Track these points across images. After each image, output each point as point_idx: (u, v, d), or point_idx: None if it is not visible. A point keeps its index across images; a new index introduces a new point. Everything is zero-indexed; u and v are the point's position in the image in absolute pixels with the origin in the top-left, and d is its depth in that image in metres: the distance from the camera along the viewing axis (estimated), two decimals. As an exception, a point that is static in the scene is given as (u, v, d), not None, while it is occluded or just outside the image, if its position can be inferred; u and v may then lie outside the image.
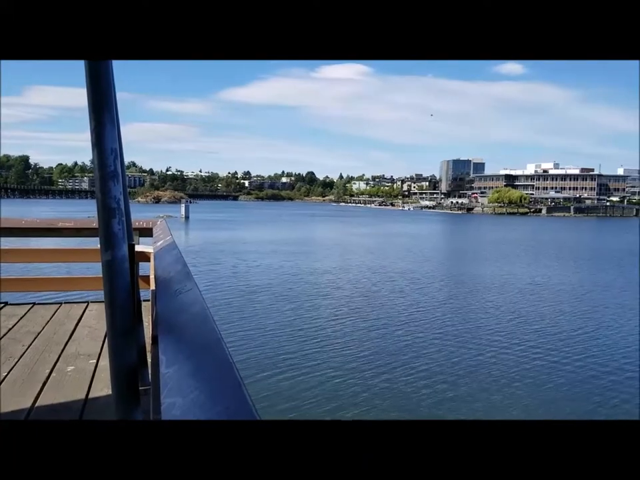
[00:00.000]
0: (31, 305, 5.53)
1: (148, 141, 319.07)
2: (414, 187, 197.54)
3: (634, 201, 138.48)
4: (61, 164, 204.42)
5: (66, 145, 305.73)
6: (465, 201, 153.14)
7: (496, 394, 10.42)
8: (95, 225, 5.07)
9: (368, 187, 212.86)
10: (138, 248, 4.41)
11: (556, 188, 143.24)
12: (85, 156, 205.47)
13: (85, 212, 38.88)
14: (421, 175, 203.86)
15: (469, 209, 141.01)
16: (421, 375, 11.22)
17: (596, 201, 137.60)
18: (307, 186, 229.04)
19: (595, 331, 15.79)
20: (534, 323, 16.46)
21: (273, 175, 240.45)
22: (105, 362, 3.75)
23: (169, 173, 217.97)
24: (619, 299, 20.87)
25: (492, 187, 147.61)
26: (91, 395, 3.24)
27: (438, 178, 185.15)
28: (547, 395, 10.44)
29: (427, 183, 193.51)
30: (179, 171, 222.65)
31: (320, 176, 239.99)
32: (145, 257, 4.59)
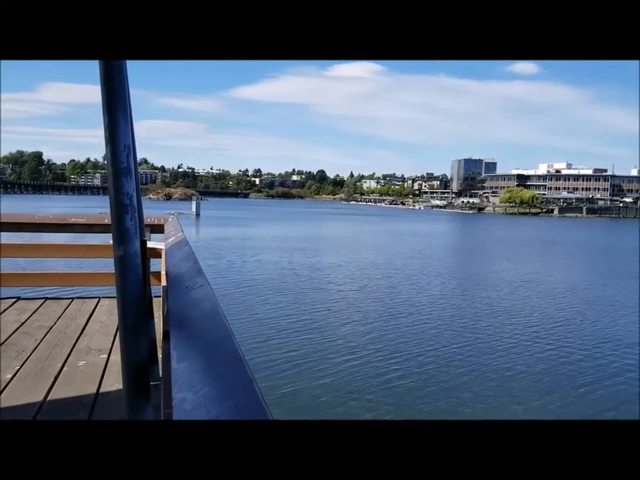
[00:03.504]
0: (43, 300, 5.58)
1: (158, 138, 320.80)
2: (425, 186, 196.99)
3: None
4: (74, 160, 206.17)
5: (79, 141, 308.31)
6: (476, 200, 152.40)
7: (496, 394, 10.37)
8: (106, 220, 5.11)
9: (378, 186, 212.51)
10: (149, 244, 4.44)
11: (568, 188, 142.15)
12: (98, 152, 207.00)
13: (97, 208, 39.15)
14: (432, 174, 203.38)
15: (480, 209, 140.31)
16: (422, 375, 11.19)
17: (609, 202, 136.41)
18: (318, 184, 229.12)
19: (595, 330, 15.69)
20: (534, 322, 16.37)
21: (283, 172, 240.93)
22: (115, 357, 3.78)
23: (180, 170, 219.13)
24: (619, 299, 20.73)
25: (503, 187, 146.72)
26: (102, 390, 3.26)
27: (449, 177, 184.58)
28: (547, 395, 10.38)
29: (438, 182, 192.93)
30: (190, 168, 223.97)
31: (330, 174, 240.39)
32: (156, 253, 4.63)
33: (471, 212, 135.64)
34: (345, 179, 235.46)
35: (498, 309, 18.31)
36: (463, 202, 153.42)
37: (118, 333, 1.31)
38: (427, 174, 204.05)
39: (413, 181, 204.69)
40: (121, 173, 1.19)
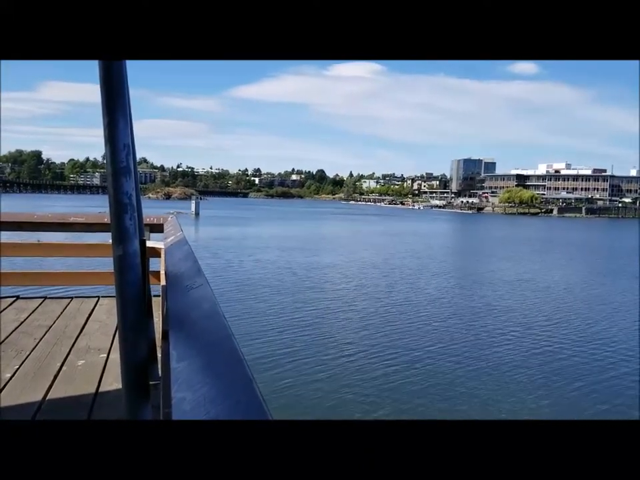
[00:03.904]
0: (42, 299, 5.57)
1: (158, 137, 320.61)
2: (424, 186, 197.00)
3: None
4: (73, 159, 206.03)
5: (78, 140, 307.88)
6: (475, 200, 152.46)
7: (496, 394, 10.39)
8: (106, 220, 5.10)
9: (378, 186, 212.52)
10: (149, 244, 4.44)
11: (567, 188, 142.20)
12: (97, 152, 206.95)
13: (97, 207, 39.11)
14: (432, 174, 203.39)
15: (480, 209, 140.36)
16: (422, 375, 11.20)
17: (608, 202, 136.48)
18: (317, 184, 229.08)
19: (595, 330, 15.71)
20: (534, 322, 16.39)
21: (283, 172, 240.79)
22: (115, 356, 3.78)
23: (179, 169, 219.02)
24: (619, 299, 20.75)
25: (503, 187, 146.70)
26: (101, 389, 3.26)
27: (449, 177, 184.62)
28: (547, 395, 10.40)
29: (438, 182, 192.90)
30: (189, 167, 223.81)
31: (330, 174, 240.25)
32: (155, 252, 4.62)
33: (470, 212, 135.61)
34: (345, 178, 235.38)
35: (495, 307, 18.34)
36: (462, 202, 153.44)
37: (117, 332, 1.30)
38: (427, 174, 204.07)
39: (413, 180, 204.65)
40: (121, 172, 1.19)
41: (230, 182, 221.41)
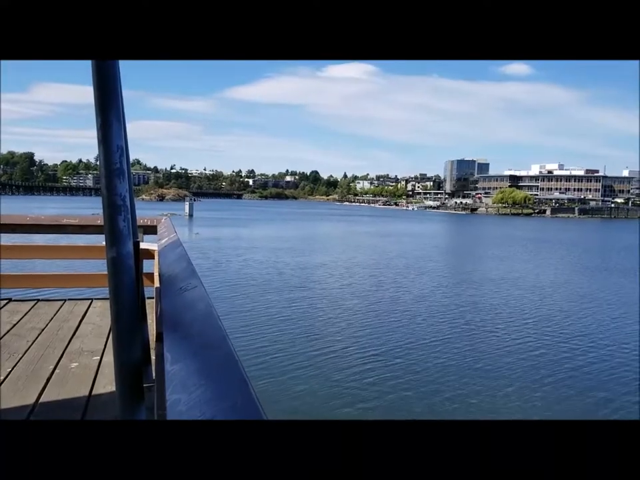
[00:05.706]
0: (35, 302, 5.54)
1: (152, 139, 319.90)
2: (418, 187, 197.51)
3: (639, 202, 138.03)
4: (66, 161, 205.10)
5: (71, 142, 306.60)
6: (469, 201, 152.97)
7: (496, 394, 10.43)
8: (99, 222, 5.08)
9: (372, 187, 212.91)
10: (142, 245, 4.42)
11: (560, 189, 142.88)
12: (90, 153, 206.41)
13: (90, 209, 38.99)
14: (425, 174, 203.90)
15: (473, 209, 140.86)
16: (422, 375, 11.23)
17: (600, 203, 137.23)
18: (311, 185, 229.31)
19: (595, 330, 15.80)
20: (534, 322, 16.45)
21: (277, 173, 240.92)
22: (108, 358, 3.76)
23: (173, 170, 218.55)
24: (619, 299, 20.87)
25: (496, 188, 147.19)
26: (94, 392, 3.24)
27: (442, 178, 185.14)
28: (547, 395, 10.45)
29: (431, 183, 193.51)
30: (183, 169, 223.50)
31: (324, 175, 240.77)
32: (149, 254, 4.60)
33: (463, 213, 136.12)
34: (339, 179, 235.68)
35: (495, 308, 18.41)
36: (455, 203, 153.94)
37: (110, 335, 1.30)
38: (420, 175, 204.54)
39: (407, 181, 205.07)
40: (114, 174, 1.18)
41: (224, 183, 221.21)
